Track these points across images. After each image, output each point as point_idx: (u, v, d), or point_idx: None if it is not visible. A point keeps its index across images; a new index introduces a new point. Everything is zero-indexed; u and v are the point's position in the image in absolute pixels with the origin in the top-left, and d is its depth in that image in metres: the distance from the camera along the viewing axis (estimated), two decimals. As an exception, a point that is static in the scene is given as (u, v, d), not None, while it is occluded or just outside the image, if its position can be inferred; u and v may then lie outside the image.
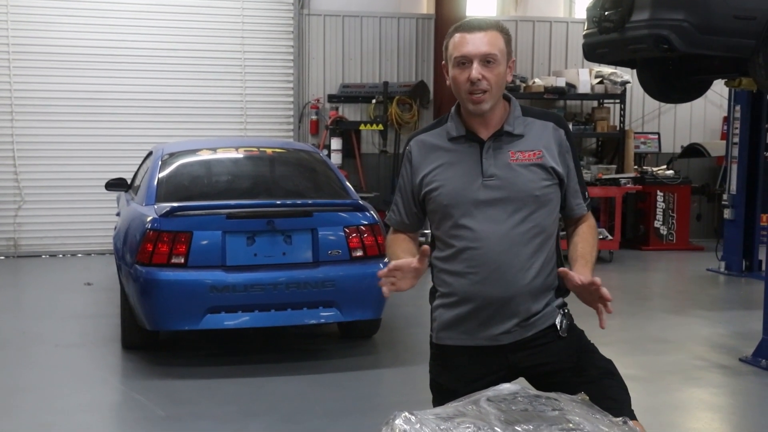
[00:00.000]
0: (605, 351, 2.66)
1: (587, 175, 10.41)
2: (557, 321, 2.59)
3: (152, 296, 5.43)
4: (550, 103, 11.69)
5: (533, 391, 2.14)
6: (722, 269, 9.54)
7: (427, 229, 2.73)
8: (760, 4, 5.78)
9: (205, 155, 6.62)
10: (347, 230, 5.74)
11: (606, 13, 6.19)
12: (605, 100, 11.72)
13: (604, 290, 2.37)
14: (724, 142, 10.28)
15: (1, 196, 10.52)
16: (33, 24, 10.42)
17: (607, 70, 11.20)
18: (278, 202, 5.86)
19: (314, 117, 11.34)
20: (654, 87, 7.02)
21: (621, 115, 11.48)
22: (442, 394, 2.57)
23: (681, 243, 11.27)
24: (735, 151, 9.41)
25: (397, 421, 1.85)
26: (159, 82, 10.79)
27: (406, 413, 1.88)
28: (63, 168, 10.58)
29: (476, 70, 2.45)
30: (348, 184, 6.54)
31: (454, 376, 2.62)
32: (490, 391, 2.05)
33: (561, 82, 11.15)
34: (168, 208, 5.55)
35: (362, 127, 11.24)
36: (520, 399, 2.02)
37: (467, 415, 1.91)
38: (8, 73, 10.39)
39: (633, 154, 11.57)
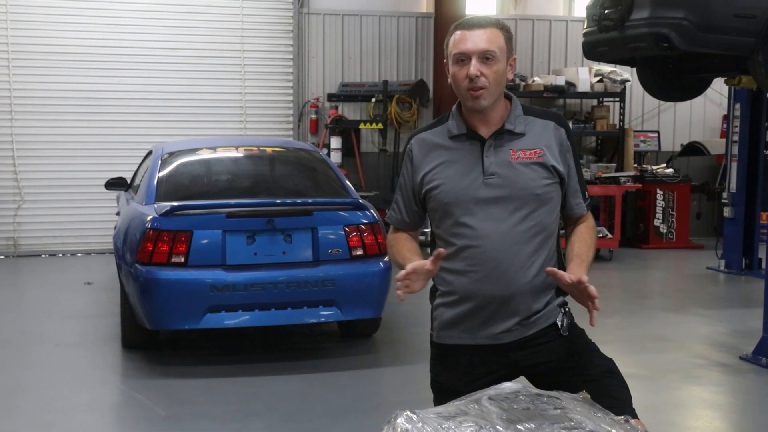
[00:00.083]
0: (605, 349, 2.66)
1: (587, 174, 10.41)
2: (558, 320, 2.59)
3: (152, 295, 5.43)
4: (549, 102, 11.69)
5: (534, 389, 2.14)
6: (722, 267, 9.54)
7: (426, 228, 2.72)
8: (759, 3, 5.78)
9: (204, 154, 6.61)
10: (347, 229, 5.74)
11: (606, 11, 6.20)
12: (605, 99, 11.72)
13: (591, 288, 2.37)
14: (724, 140, 10.28)
15: (1, 195, 10.51)
16: (32, 23, 10.41)
17: (606, 68, 11.21)
18: (278, 201, 5.86)
19: (314, 116, 11.33)
20: (654, 85, 7.03)
21: (621, 114, 11.49)
22: (442, 394, 2.57)
23: (681, 241, 11.27)
24: (735, 150, 9.41)
25: (398, 420, 1.85)
26: (158, 81, 10.78)
27: (408, 412, 1.87)
28: (62, 167, 10.58)
29: (474, 66, 2.45)
30: (348, 182, 6.54)
31: (455, 375, 2.62)
32: (492, 390, 2.05)
33: (560, 81, 11.16)
34: (168, 208, 5.55)
35: (362, 125, 11.24)
36: (521, 398, 2.02)
37: (469, 413, 1.91)
38: (7, 72, 10.38)
39: (633, 153, 11.57)
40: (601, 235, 10.03)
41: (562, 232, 2.62)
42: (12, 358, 6.04)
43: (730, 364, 5.83)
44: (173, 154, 6.50)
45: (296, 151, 7.08)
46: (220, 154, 6.68)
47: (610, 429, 1.90)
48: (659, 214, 11.23)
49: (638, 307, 7.82)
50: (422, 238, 2.63)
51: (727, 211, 9.51)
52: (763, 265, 8.91)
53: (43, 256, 10.57)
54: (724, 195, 9.64)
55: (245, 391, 5.25)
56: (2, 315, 7.41)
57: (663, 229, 11.26)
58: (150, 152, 7.05)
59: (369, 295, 5.76)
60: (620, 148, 11.52)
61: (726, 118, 10.48)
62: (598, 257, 9.97)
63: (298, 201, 5.93)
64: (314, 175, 6.65)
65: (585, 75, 11.24)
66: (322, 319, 5.79)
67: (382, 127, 11.20)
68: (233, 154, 6.71)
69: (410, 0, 11.91)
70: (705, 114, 12.53)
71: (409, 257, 2.57)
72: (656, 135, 12.11)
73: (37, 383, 5.42)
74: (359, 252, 5.74)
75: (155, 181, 6.09)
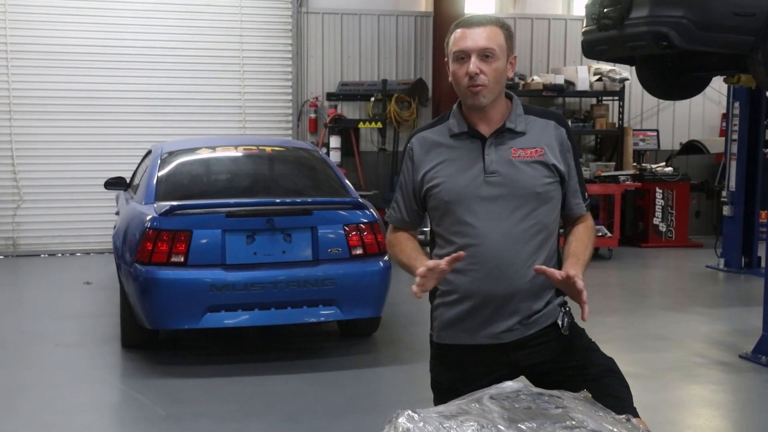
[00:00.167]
0: (605, 348, 2.66)
1: (586, 173, 10.41)
2: (559, 319, 2.59)
3: (152, 295, 5.43)
4: (548, 101, 11.69)
5: (536, 388, 2.14)
6: (721, 266, 9.54)
7: (426, 227, 2.72)
8: (758, 1, 5.77)
9: (204, 154, 6.61)
10: (347, 228, 5.73)
11: (605, 10, 6.19)
12: (604, 98, 11.73)
13: (579, 282, 2.36)
14: (723, 138, 10.28)
15: (0, 195, 10.50)
16: (31, 23, 10.40)
17: (605, 67, 11.21)
18: (278, 201, 5.85)
19: (313, 115, 11.33)
20: (653, 84, 7.02)
21: (620, 113, 11.49)
22: (443, 394, 2.57)
23: (680, 240, 11.27)
24: (734, 148, 9.42)
25: (400, 420, 1.85)
26: (157, 81, 10.78)
27: (409, 411, 1.87)
28: (62, 167, 10.57)
29: (474, 64, 2.46)
30: (347, 182, 6.53)
31: (455, 375, 2.62)
32: (493, 389, 2.05)
33: (560, 80, 11.16)
34: (167, 207, 5.55)
35: (361, 125, 11.24)
36: (523, 397, 2.02)
37: (470, 413, 1.90)
38: (6, 72, 10.37)
39: (632, 151, 11.58)
40: (600, 234, 10.04)
41: (561, 231, 2.62)
42: (12, 358, 6.04)
43: (729, 363, 5.83)
44: (172, 154, 6.49)
45: (295, 150, 7.08)
46: (220, 153, 6.67)
47: (611, 428, 1.90)
48: (658, 213, 11.23)
49: (638, 306, 7.82)
50: (421, 237, 2.63)
51: (726, 210, 9.51)
52: (763, 264, 8.91)
53: (42, 255, 10.56)
54: (724, 193, 9.65)
55: (245, 390, 5.24)
56: (2, 315, 7.40)
57: (662, 227, 11.26)
58: (149, 152, 7.05)
59: (369, 294, 5.76)
60: (619, 147, 11.52)
61: (725, 117, 10.48)
62: (598, 256, 9.97)
63: (298, 200, 5.93)
64: (314, 174, 6.65)
65: (584, 74, 11.24)
66: (322, 319, 5.79)
67: (381, 126, 11.20)
68: (233, 153, 6.70)
69: (409, -1, 11.91)
70: (704, 112, 12.54)
71: (415, 257, 2.57)
72: (655, 134, 12.11)
73: (37, 383, 5.42)
74: (359, 251, 5.74)
75: (155, 181, 6.09)
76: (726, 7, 5.75)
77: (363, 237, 5.74)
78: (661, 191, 11.20)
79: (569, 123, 2.94)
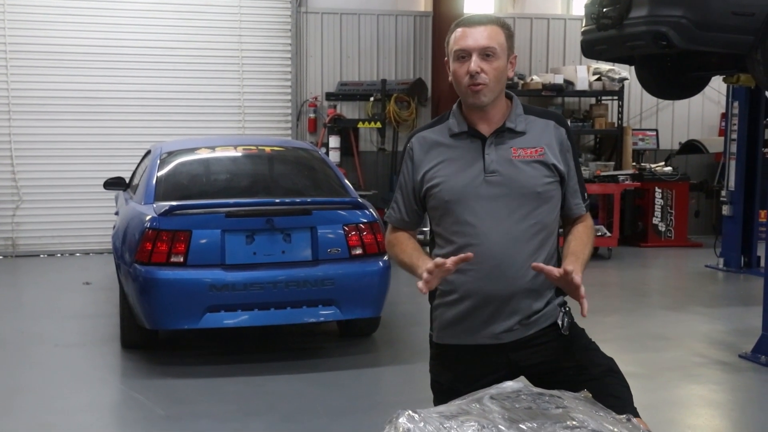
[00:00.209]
0: (604, 348, 2.66)
1: (585, 172, 10.41)
2: (559, 319, 2.58)
3: (151, 295, 5.43)
4: (547, 100, 11.69)
5: (536, 388, 2.14)
6: (721, 266, 9.54)
7: (425, 227, 2.72)
8: (758, 0, 5.77)
9: (203, 154, 6.61)
10: (346, 228, 5.73)
11: (604, 9, 6.19)
12: (603, 97, 11.73)
13: (576, 277, 2.34)
14: (722, 138, 10.28)
15: (-1, 195, 10.52)
16: (30, 23, 10.40)
17: (605, 66, 11.22)
18: (277, 201, 5.85)
19: (312, 115, 11.33)
20: (652, 84, 7.02)
21: (619, 112, 11.49)
22: (443, 394, 2.56)
23: (679, 240, 11.27)
24: (733, 148, 9.41)
25: (400, 420, 1.84)
26: (157, 81, 10.77)
27: (410, 411, 1.87)
28: (61, 167, 10.57)
29: (475, 62, 2.46)
30: (347, 182, 6.53)
31: (455, 375, 2.62)
32: (494, 389, 2.05)
33: (559, 79, 11.16)
34: (167, 207, 5.55)
35: (360, 124, 11.24)
36: (523, 397, 2.02)
37: (471, 413, 1.90)
38: (5, 72, 10.37)
39: (631, 151, 11.58)
40: (599, 234, 10.04)
41: (561, 231, 2.62)
42: (11, 359, 6.04)
43: (729, 363, 5.83)
44: (172, 154, 6.49)
45: (295, 150, 7.08)
46: (219, 153, 6.67)
47: (612, 428, 1.90)
48: (658, 213, 11.23)
49: (637, 306, 7.82)
50: (420, 237, 2.63)
51: (725, 209, 9.51)
52: (762, 263, 8.91)
53: (41, 256, 10.56)
54: (723, 193, 9.64)
55: (245, 390, 5.24)
56: (1, 315, 7.40)
57: (662, 227, 11.26)
58: (148, 152, 7.04)
59: (368, 294, 5.75)
60: (619, 147, 11.52)
61: (724, 116, 10.48)
62: (597, 256, 9.97)
63: (297, 200, 5.93)
64: (313, 174, 6.65)
65: (583, 73, 11.25)
66: (322, 319, 5.79)
67: (380, 126, 11.20)
68: (232, 153, 6.70)
69: (408, -1, 11.91)
70: (703, 112, 12.55)
71: (417, 256, 2.56)
72: (655, 133, 12.12)
73: (37, 383, 5.42)
74: (358, 251, 5.74)
75: (154, 181, 6.08)
76: (725, 7, 5.75)
77: (362, 237, 5.74)
78: (660, 191, 11.20)
79: (569, 123, 2.93)
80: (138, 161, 7.73)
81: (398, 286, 7.10)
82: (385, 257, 5.73)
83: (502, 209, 2.51)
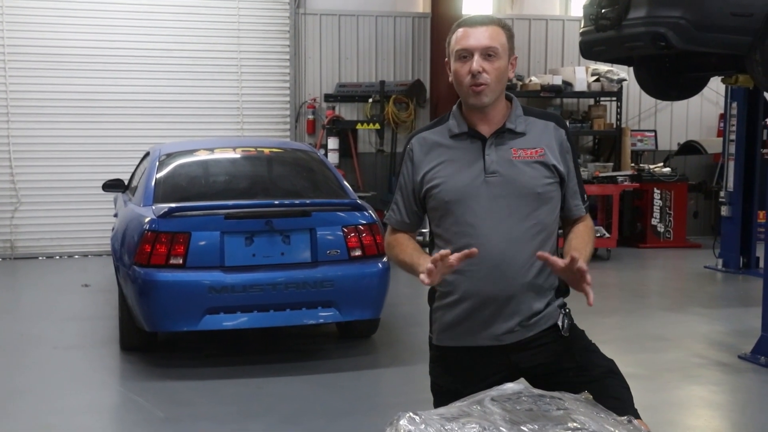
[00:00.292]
0: (604, 349, 2.66)
1: (584, 173, 10.41)
2: (559, 321, 2.58)
3: (151, 297, 5.42)
4: (546, 102, 11.69)
5: (537, 390, 2.13)
6: (720, 266, 9.55)
7: (424, 228, 2.71)
8: (756, 1, 5.78)
9: (202, 155, 6.61)
10: (346, 230, 5.73)
11: (603, 10, 6.20)
12: (602, 98, 11.73)
13: (581, 264, 2.32)
14: (721, 139, 10.29)
15: (-2, 197, 10.51)
16: (28, 24, 10.38)
17: (603, 67, 11.21)
18: (276, 202, 5.85)
19: (311, 116, 11.32)
20: (651, 84, 7.03)
21: (617, 113, 11.49)
22: (443, 396, 2.56)
23: (678, 240, 11.28)
24: (732, 148, 9.42)
25: (401, 422, 1.84)
26: (155, 83, 10.76)
27: (411, 413, 1.87)
28: (59, 169, 10.55)
29: (477, 62, 2.47)
30: (346, 183, 6.53)
31: (456, 377, 2.61)
32: (494, 391, 2.05)
33: (557, 80, 11.16)
34: (166, 209, 5.54)
35: (359, 126, 11.22)
36: (524, 398, 2.01)
37: (472, 415, 1.90)
38: (4, 74, 10.36)
39: (630, 152, 11.58)
40: (598, 235, 10.04)
41: (560, 231, 2.62)
42: (10, 361, 6.03)
43: (728, 363, 5.83)
44: (171, 156, 6.49)
45: (294, 151, 7.08)
46: (218, 155, 6.67)
47: (613, 430, 1.90)
48: (656, 214, 11.24)
49: (636, 307, 7.82)
50: (420, 238, 2.62)
51: (724, 210, 9.52)
52: (761, 264, 8.91)
53: (40, 258, 10.55)
54: (722, 194, 9.65)
55: (244, 392, 5.24)
56: (0, 318, 7.39)
57: (660, 228, 11.26)
58: (147, 153, 7.04)
59: (368, 295, 5.75)
60: (617, 148, 11.52)
61: (723, 117, 10.49)
62: (596, 257, 9.97)
63: (296, 202, 5.92)
64: (312, 175, 6.65)
65: (582, 74, 11.25)
66: (321, 320, 5.78)
67: (379, 127, 11.19)
68: (231, 155, 6.70)
69: (407, 0, 11.90)
70: (702, 113, 12.55)
71: (418, 255, 2.55)
72: (653, 134, 12.12)
73: (36, 386, 5.41)
74: (358, 253, 5.74)
75: (153, 183, 6.08)
76: (724, 8, 5.75)
77: (362, 238, 5.74)
78: (659, 192, 11.21)
79: (567, 124, 2.94)
80: (137, 163, 7.73)
81: (398, 288, 7.09)
82: (385, 259, 5.73)
83: (503, 210, 2.51)
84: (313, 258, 5.68)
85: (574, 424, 1.88)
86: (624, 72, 10.97)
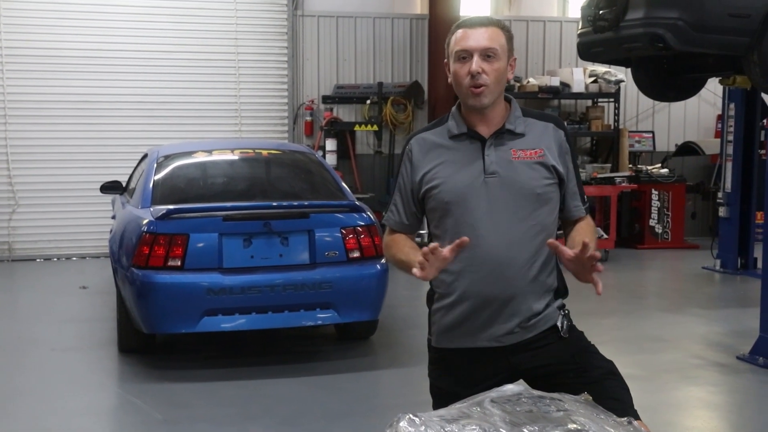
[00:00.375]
0: (602, 350, 2.66)
1: (582, 174, 10.41)
2: (558, 322, 2.58)
3: (149, 299, 5.42)
4: (544, 103, 11.70)
5: (537, 391, 2.13)
6: (718, 267, 9.55)
7: (423, 230, 2.71)
8: (753, 2, 5.79)
9: (200, 157, 6.60)
10: (344, 231, 5.73)
11: (600, 12, 6.20)
12: (599, 99, 11.74)
13: (593, 251, 2.30)
14: (719, 140, 10.30)
15: (-5, 199, 10.50)
16: (26, 26, 10.37)
17: (601, 69, 11.23)
18: (274, 204, 5.84)
19: (309, 118, 11.32)
20: (648, 85, 7.03)
21: (615, 114, 11.50)
22: (443, 398, 2.55)
23: (676, 241, 11.29)
24: (729, 149, 9.43)
25: (401, 424, 1.84)
26: (153, 85, 10.76)
27: (411, 415, 1.87)
28: (57, 171, 10.54)
29: (476, 63, 2.47)
30: (344, 185, 6.53)
31: (455, 379, 2.61)
32: (494, 393, 2.05)
33: (555, 82, 11.17)
34: (164, 211, 5.54)
35: (357, 127, 11.23)
36: (524, 400, 2.01)
37: (472, 416, 1.90)
38: (1, 75, 10.35)
39: (627, 153, 11.59)
40: (597, 236, 10.04)
41: (559, 232, 2.62)
42: (8, 363, 6.02)
43: (727, 364, 5.83)
44: (169, 158, 6.48)
45: (292, 153, 7.07)
46: (216, 156, 6.66)
47: (613, 431, 1.90)
48: (654, 215, 11.25)
49: (634, 308, 7.82)
50: (418, 240, 2.62)
51: (722, 211, 9.52)
52: (759, 265, 8.91)
53: (38, 260, 10.53)
54: (719, 195, 9.66)
55: (243, 394, 5.23)
56: (-3, 320, 7.39)
57: (658, 229, 11.27)
58: (145, 155, 7.03)
59: (366, 297, 5.75)
60: (615, 149, 11.54)
61: (720, 118, 10.50)
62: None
63: (295, 203, 5.92)
64: (310, 177, 6.64)
65: (579, 76, 11.26)
66: (319, 322, 5.78)
67: (377, 128, 11.19)
68: (229, 156, 6.69)
69: (404, 1, 11.91)
70: (699, 114, 12.56)
71: (414, 253, 2.53)
72: (651, 135, 12.14)
73: (34, 388, 5.40)
74: (356, 254, 5.73)
75: (151, 185, 6.07)
76: (721, 9, 5.76)
77: (360, 240, 5.74)
78: (657, 193, 11.22)
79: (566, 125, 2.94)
80: (135, 165, 7.72)
81: (396, 290, 7.09)
82: (383, 260, 5.73)
83: (502, 210, 2.51)
84: (312, 260, 5.67)
85: (574, 426, 1.88)
86: (622, 73, 10.99)
